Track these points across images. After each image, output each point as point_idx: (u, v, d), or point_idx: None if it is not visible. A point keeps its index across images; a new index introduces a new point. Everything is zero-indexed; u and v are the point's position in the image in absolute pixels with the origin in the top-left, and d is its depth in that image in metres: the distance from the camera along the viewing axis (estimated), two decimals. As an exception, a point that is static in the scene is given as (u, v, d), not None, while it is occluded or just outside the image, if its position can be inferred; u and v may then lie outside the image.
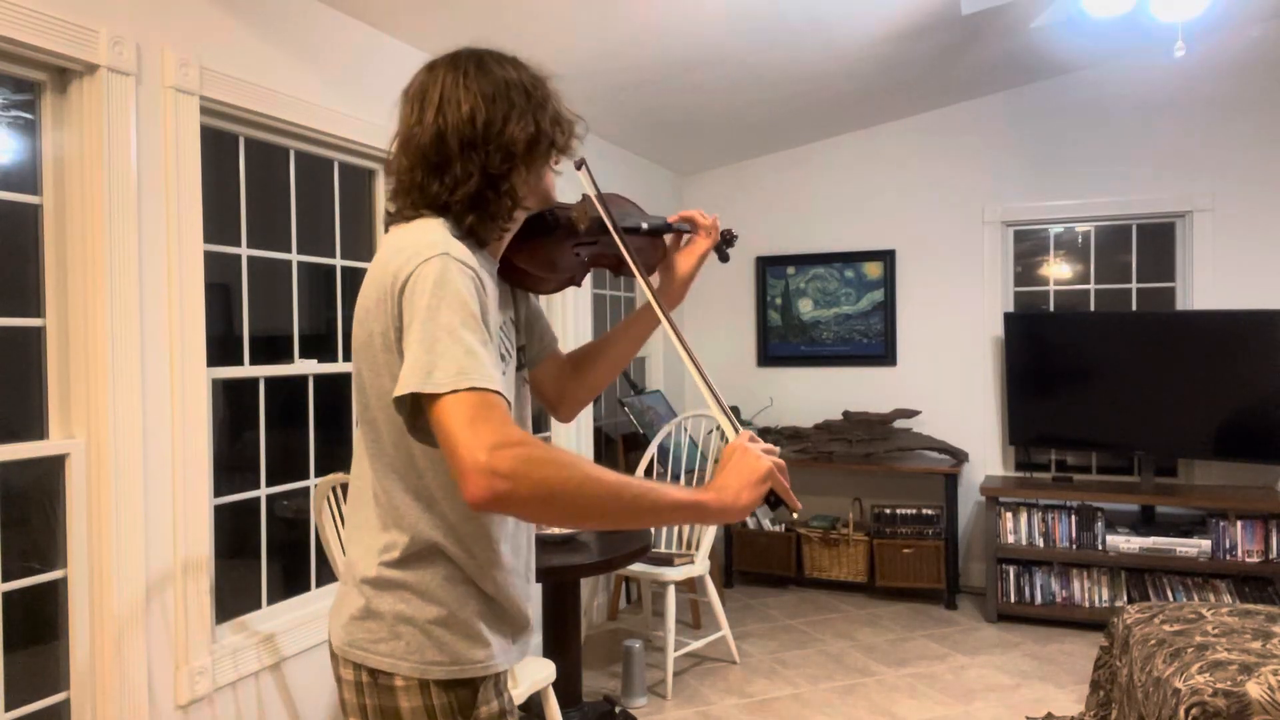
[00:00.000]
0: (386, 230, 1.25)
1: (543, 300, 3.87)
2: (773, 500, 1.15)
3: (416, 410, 1.05)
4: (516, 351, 1.31)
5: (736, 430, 1.20)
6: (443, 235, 1.12)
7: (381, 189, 3.07)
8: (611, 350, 1.48)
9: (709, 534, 3.78)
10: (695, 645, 3.72)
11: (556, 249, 1.33)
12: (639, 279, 1.33)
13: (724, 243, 1.52)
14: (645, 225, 1.43)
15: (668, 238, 1.49)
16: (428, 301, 1.04)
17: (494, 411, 0.99)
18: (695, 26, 3.27)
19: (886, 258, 5.02)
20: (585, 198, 1.35)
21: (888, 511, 4.68)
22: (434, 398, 1.00)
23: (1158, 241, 4.58)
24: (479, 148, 1.16)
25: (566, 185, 1.32)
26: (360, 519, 1.21)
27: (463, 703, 1.16)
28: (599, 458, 4.67)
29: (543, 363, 1.47)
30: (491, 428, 0.97)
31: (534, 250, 1.31)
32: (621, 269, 1.39)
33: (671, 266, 1.48)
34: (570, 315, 4.11)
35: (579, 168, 1.35)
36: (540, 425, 4.13)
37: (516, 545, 1.27)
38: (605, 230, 1.34)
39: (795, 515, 1.20)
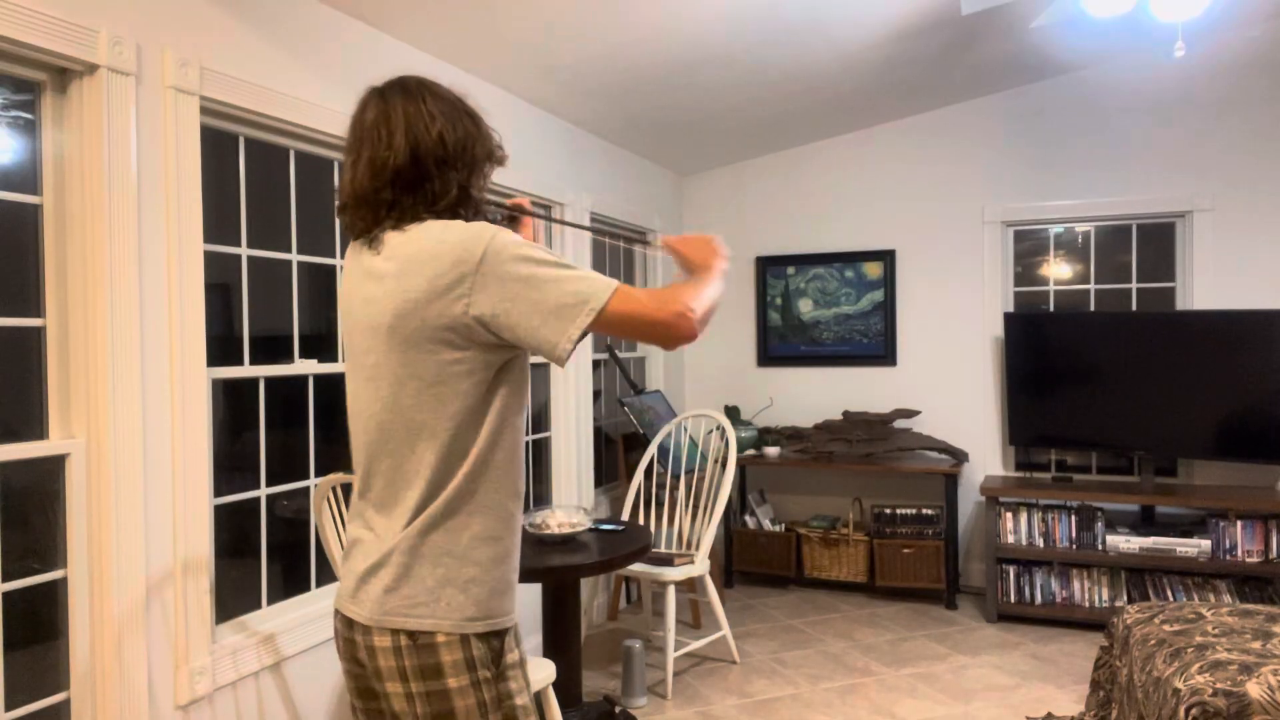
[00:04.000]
0: (362, 238, 1.38)
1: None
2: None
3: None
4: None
5: (650, 243, 1.54)
6: (470, 224, 1.29)
7: (381, 189, 3.06)
8: None
9: (709, 534, 3.78)
10: (695, 645, 3.72)
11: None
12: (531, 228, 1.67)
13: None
14: (496, 215, 1.70)
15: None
16: (523, 256, 1.24)
17: (637, 291, 1.27)
18: (695, 27, 3.27)
19: (886, 258, 5.02)
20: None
21: (888, 511, 4.68)
22: (599, 310, 1.24)
23: (1158, 241, 4.58)
24: (450, 164, 1.34)
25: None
26: (390, 497, 1.32)
27: (494, 651, 1.32)
28: (599, 458, 4.67)
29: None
30: (649, 298, 1.27)
31: None
32: (516, 224, 1.68)
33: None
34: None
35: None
36: (541, 424, 4.13)
37: (521, 496, 1.42)
38: (514, 219, 1.64)
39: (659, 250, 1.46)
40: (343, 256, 2.92)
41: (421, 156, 1.32)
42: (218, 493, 2.43)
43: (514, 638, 1.37)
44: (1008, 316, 4.53)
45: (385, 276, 1.29)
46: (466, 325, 1.25)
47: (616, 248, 4.92)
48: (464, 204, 1.37)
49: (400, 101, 1.34)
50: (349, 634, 1.33)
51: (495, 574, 1.32)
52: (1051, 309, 4.77)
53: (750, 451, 5.04)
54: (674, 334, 1.26)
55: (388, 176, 1.32)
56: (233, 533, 2.50)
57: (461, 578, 1.28)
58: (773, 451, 4.92)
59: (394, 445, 1.31)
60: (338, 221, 2.90)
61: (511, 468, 1.35)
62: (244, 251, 2.54)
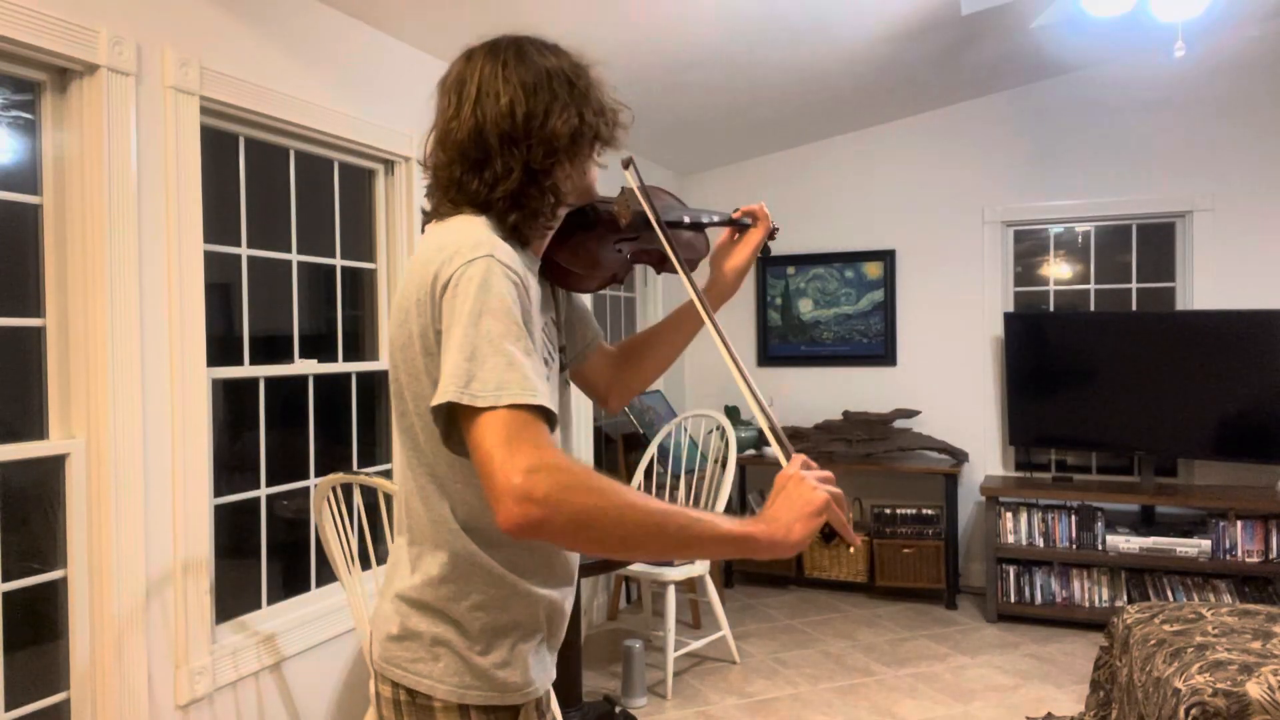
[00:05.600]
0: (423, 229, 1.19)
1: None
2: (827, 533, 1.10)
3: (453, 420, 1.00)
4: (559, 353, 1.27)
5: (788, 455, 1.10)
6: (487, 235, 1.06)
7: (382, 189, 3.07)
8: (660, 346, 1.45)
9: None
10: (695, 645, 3.71)
11: (598, 246, 1.27)
12: (682, 275, 1.27)
13: (768, 236, 1.49)
14: (688, 219, 1.38)
15: (713, 232, 1.45)
16: (471, 306, 0.98)
17: (532, 431, 0.93)
18: (696, 27, 3.27)
19: (886, 258, 5.02)
20: (625, 190, 1.30)
21: (888, 511, 4.68)
22: (471, 411, 0.94)
23: (1158, 241, 4.58)
24: (520, 142, 1.10)
25: (605, 178, 1.28)
26: (401, 529, 1.18)
27: None
28: (599, 458, 4.67)
29: (590, 357, 1.43)
30: (528, 449, 0.91)
31: (575, 248, 1.25)
32: (664, 265, 1.34)
33: (722, 260, 1.44)
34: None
35: (626, 166, 1.29)
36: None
37: (563, 559, 1.23)
38: (648, 225, 1.28)
39: (852, 550, 1.07)
40: (343, 256, 2.92)
41: (485, 129, 1.10)
42: (218, 493, 2.43)
43: (535, 711, 1.15)
44: (1008, 316, 4.53)
45: (404, 277, 1.13)
46: (437, 351, 1.05)
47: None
48: (533, 190, 1.12)
49: (482, 62, 1.14)
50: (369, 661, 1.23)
51: (500, 640, 1.12)
52: (1051, 309, 4.77)
53: (750, 451, 5.04)
54: (497, 508, 0.90)
55: (454, 152, 1.12)
56: (233, 533, 2.50)
57: (461, 640, 1.11)
58: (773, 452, 4.91)
59: (400, 470, 1.16)
60: (338, 221, 2.90)
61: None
62: (244, 251, 2.54)
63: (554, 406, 1.00)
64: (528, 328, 1.02)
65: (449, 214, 1.13)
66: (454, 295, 1.00)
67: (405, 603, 1.13)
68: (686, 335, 1.44)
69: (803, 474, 1.05)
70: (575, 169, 1.16)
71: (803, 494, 1.03)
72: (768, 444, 4.98)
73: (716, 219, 1.42)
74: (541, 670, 1.18)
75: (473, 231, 1.07)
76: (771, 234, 1.48)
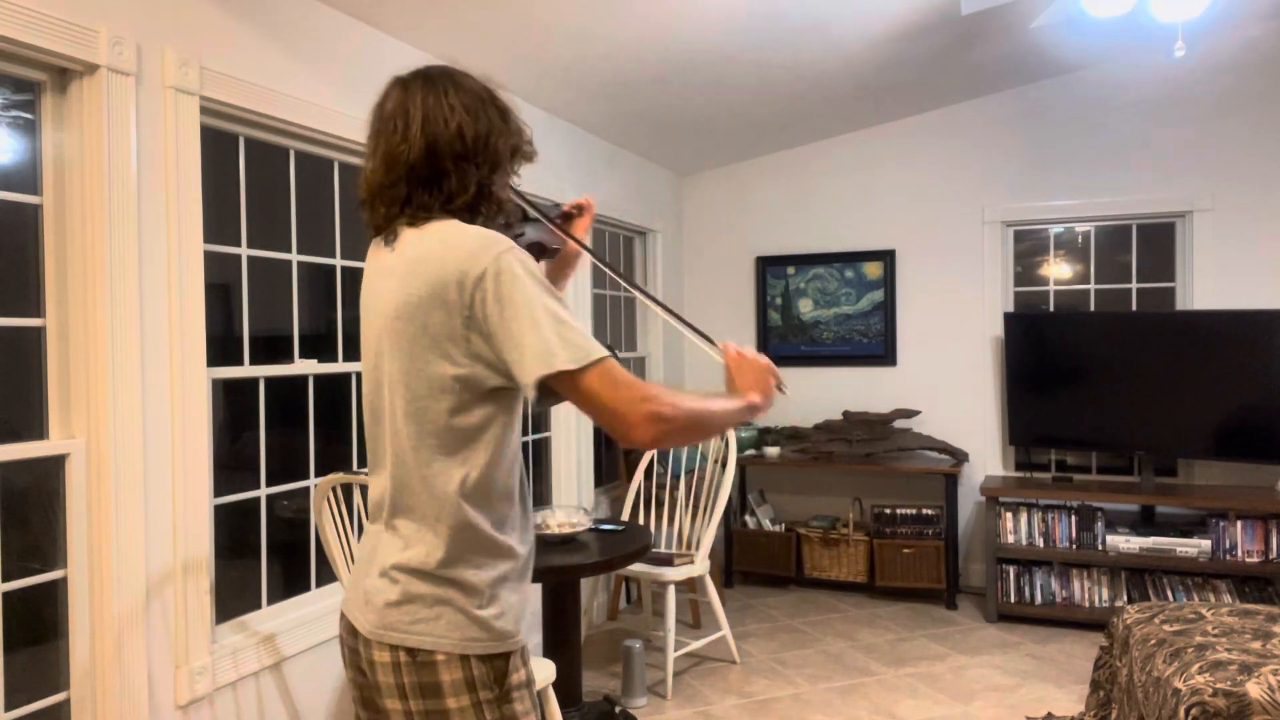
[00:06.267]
0: (380, 235, 1.32)
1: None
2: (778, 384, 1.43)
3: (543, 387, 1.19)
4: None
5: (714, 343, 1.47)
6: (486, 229, 1.24)
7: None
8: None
9: (709, 534, 3.78)
10: (695, 645, 3.72)
11: None
12: (566, 238, 1.56)
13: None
14: (551, 213, 1.63)
15: (559, 219, 1.69)
16: (527, 292, 1.18)
17: (621, 373, 1.18)
18: (695, 27, 3.27)
19: (886, 258, 5.02)
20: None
21: (888, 511, 4.68)
22: (567, 374, 1.16)
23: (1158, 241, 4.58)
24: (470, 160, 1.28)
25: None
26: (391, 511, 1.29)
27: (498, 672, 1.25)
28: (599, 457, 4.67)
29: None
30: (630, 386, 1.17)
31: None
32: (543, 255, 1.56)
33: (578, 230, 1.72)
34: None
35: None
36: (541, 424, 4.13)
37: (528, 517, 1.38)
38: (528, 219, 1.52)
39: (786, 392, 1.41)
40: (343, 256, 2.92)
41: (438, 151, 1.26)
42: (218, 493, 2.43)
43: (520, 658, 1.29)
44: (1008, 316, 4.53)
45: (394, 274, 1.26)
46: (465, 338, 1.20)
47: (617, 237, 4.92)
48: (484, 201, 1.30)
49: (421, 92, 1.28)
50: (354, 643, 1.31)
51: (499, 595, 1.27)
52: (1051, 309, 4.77)
53: (750, 451, 5.04)
54: (633, 435, 1.16)
55: (401, 170, 1.26)
56: (233, 533, 2.50)
57: (463, 597, 1.23)
58: (772, 451, 4.92)
59: (399, 455, 1.27)
60: (338, 221, 2.90)
61: (513, 489, 1.30)
62: (244, 251, 2.54)
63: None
64: None
65: (417, 222, 1.28)
66: (498, 285, 1.18)
67: (403, 571, 1.25)
68: (563, 279, 1.72)
69: (744, 352, 1.42)
70: (503, 182, 1.35)
71: (756, 364, 1.41)
72: (765, 442, 4.98)
73: (564, 207, 1.71)
74: (524, 619, 1.34)
75: (472, 228, 1.24)
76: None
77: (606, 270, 1.56)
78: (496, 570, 1.27)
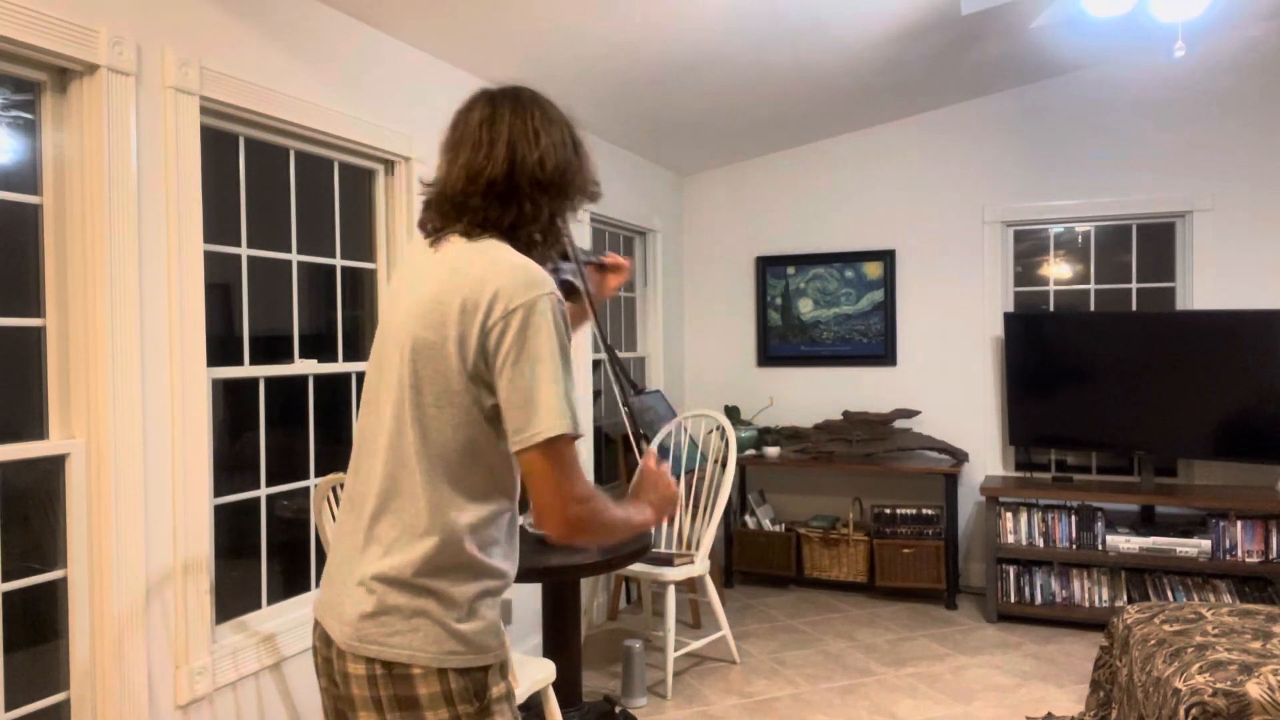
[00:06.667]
0: (430, 235, 1.33)
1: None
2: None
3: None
4: None
5: (641, 449, 1.51)
6: (539, 268, 1.25)
7: (382, 189, 3.07)
8: None
9: (709, 534, 3.78)
10: (695, 645, 3.72)
11: None
12: (584, 294, 1.54)
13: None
14: (585, 258, 1.64)
15: (595, 271, 1.68)
16: (553, 345, 1.20)
17: (578, 464, 1.23)
18: (695, 27, 3.27)
19: (886, 258, 5.02)
20: None
21: (888, 511, 4.68)
22: (554, 440, 1.19)
23: (1158, 241, 4.58)
24: (547, 189, 1.30)
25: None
26: (376, 513, 1.26)
27: (478, 685, 1.23)
28: (599, 457, 4.67)
29: None
30: (580, 482, 1.22)
31: None
32: (572, 295, 1.56)
33: (601, 289, 1.71)
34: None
35: None
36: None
37: (514, 536, 1.38)
38: (566, 257, 1.52)
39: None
40: (343, 257, 2.92)
41: (518, 174, 1.27)
42: (218, 493, 2.43)
43: (500, 671, 1.28)
44: (1008, 316, 4.53)
45: (432, 278, 1.26)
46: (477, 362, 1.21)
47: (617, 237, 4.92)
48: (549, 233, 1.32)
49: (509, 111, 1.30)
50: (327, 652, 1.28)
51: (479, 609, 1.25)
52: (1051, 309, 4.77)
53: (750, 451, 5.04)
54: (552, 528, 1.21)
55: (482, 185, 1.27)
56: (233, 533, 2.50)
57: (441, 609, 1.22)
58: (773, 451, 4.92)
59: (400, 457, 1.25)
60: (338, 221, 2.90)
61: (506, 510, 1.30)
62: (244, 251, 2.54)
63: None
64: None
65: (477, 236, 1.28)
66: (527, 325, 1.19)
67: (381, 582, 1.23)
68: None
69: (663, 470, 1.47)
70: (567, 216, 1.38)
71: (667, 488, 1.46)
72: (766, 442, 4.98)
73: (603, 258, 1.70)
74: (504, 634, 1.34)
75: (525, 261, 1.25)
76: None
77: (602, 344, 1.60)
78: (479, 585, 1.25)
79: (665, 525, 3.99)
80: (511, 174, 1.27)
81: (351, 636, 1.22)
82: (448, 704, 1.20)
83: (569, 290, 1.52)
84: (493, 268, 1.22)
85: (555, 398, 1.18)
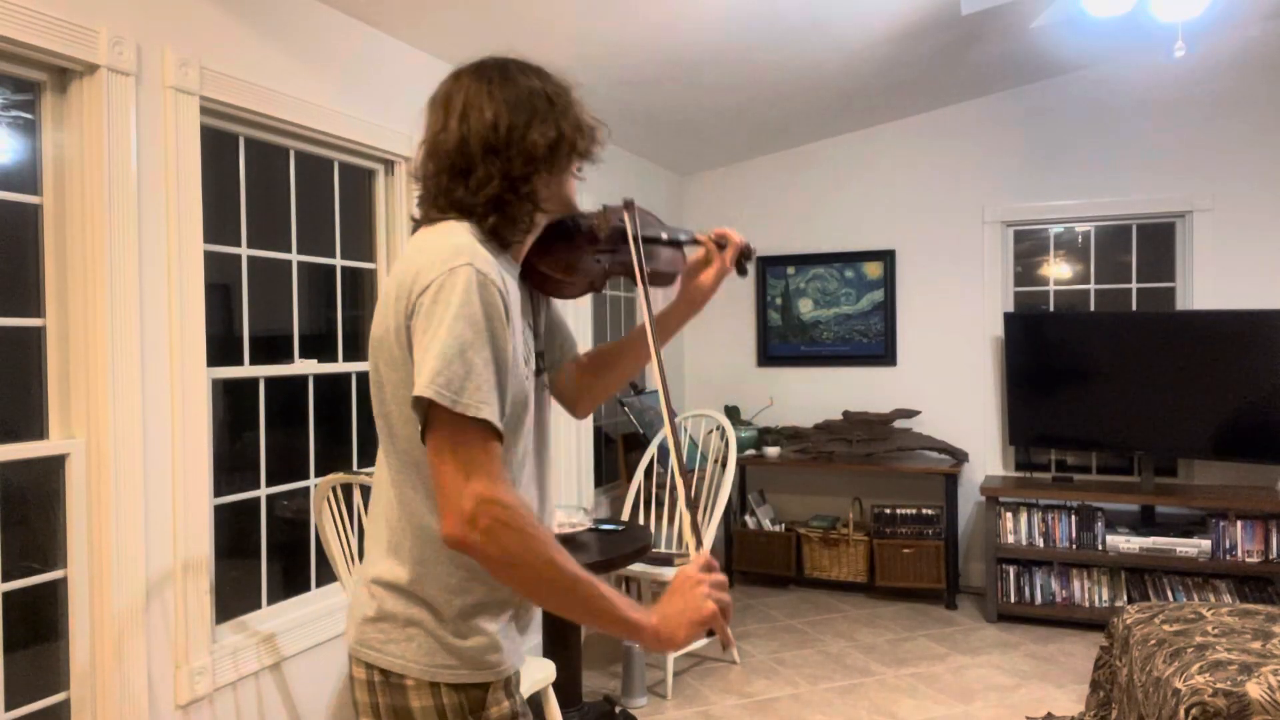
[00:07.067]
0: (414, 234, 1.26)
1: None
2: (709, 632, 1.15)
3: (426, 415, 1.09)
4: (536, 357, 1.32)
5: (699, 545, 1.18)
6: (468, 240, 1.15)
7: (382, 189, 3.07)
8: (626, 358, 1.50)
9: (709, 534, 3.78)
10: (695, 645, 3.71)
11: (577, 255, 1.35)
12: (640, 293, 1.33)
13: (743, 256, 1.51)
14: (665, 235, 1.45)
15: (690, 250, 1.49)
16: (452, 312, 1.07)
17: (490, 458, 1.06)
18: (695, 27, 3.27)
19: (886, 258, 5.02)
20: (607, 207, 1.39)
21: (888, 511, 4.68)
22: (442, 412, 1.05)
23: (1158, 241, 4.58)
24: (500, 152, 1.19)
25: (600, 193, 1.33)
26: (376, 516, 1.24)
27: (474, 703, 1.17)
28: (599, 458, 4.67)
29: (565, 366, 1.50)
30: (484, 477, 1.05)
31: (556, 255, 1.33)
32: (656, 280, 1.42)
33: (693, 277, 1.49)
34: (570, 317, 4.11)
35: (628, 209, 1.39)
36: (540, 425, 4.12)
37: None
38: (624, 240, 1.36)
39: (729, 652, 1.19)
40: (343, 256, 2.92)
41: (469, 140, 1.19)
42: (218, 493, 2.43)
43: (505, 690, 1.21)
44: (1008, 316, 4.53)
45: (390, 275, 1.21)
46: (410, 347, 1.12)
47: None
48: (511, 197, 1.20)
49: (469, 81, 1.22)
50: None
51: (476, 622, 1.18)
52: (1051, 309, 4.77)
53: (750, 451, 5.04)
54: (443, 519, 1.05)
55: (442, 161, 1.20)
56: (233, 533, 2.50)
57: (433, 620, 1.16)
58: (773, 451, 4.92)
59: (382, 455, 1.23)
60: (338, 221, 2.90)
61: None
62: (244, 251, 2.54)
63: (530, 404, 1.20)
64: (506, 331, 1.12)
65: (436, 219, 1.21)
66: (434, 300, 1.09)
67: (380, 586, 1.19)
68: (643, 355, 1.50)
69: (700, 580, 1.13)
70: (554, 180, 1.25)
71: (696, 602, 1.12)
72: (766, 442, 4.98)
73: (690, 238, 1.50)
74: (512, 649, 1.24)
75: (453, 235, 1.15)
76: (746, 254, 1.51)
77: (649, 330, 1.33)
78: (470, 596, 1.18)
79: (666, 525, 4.00)
80: (464, 141, 1.19)
81: (355, 640, 1.21)
82: (440, 719, 1.15)
83: (628, 273, 1.36)
84: (418, 252, 1.15)
85: (441, 361, 1.05)
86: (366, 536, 1.26)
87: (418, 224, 1.27)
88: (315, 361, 2.78)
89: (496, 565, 1.05)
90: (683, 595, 1.13)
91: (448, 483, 1.05)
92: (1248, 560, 3.96)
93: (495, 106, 1.19)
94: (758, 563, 4.87)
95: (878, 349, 5.05)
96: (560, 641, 3.01)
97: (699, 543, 1.18)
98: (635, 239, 1.35)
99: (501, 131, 1.19)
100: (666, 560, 3.64)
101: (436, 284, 1.09)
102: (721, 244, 1.47)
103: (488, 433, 1.07)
